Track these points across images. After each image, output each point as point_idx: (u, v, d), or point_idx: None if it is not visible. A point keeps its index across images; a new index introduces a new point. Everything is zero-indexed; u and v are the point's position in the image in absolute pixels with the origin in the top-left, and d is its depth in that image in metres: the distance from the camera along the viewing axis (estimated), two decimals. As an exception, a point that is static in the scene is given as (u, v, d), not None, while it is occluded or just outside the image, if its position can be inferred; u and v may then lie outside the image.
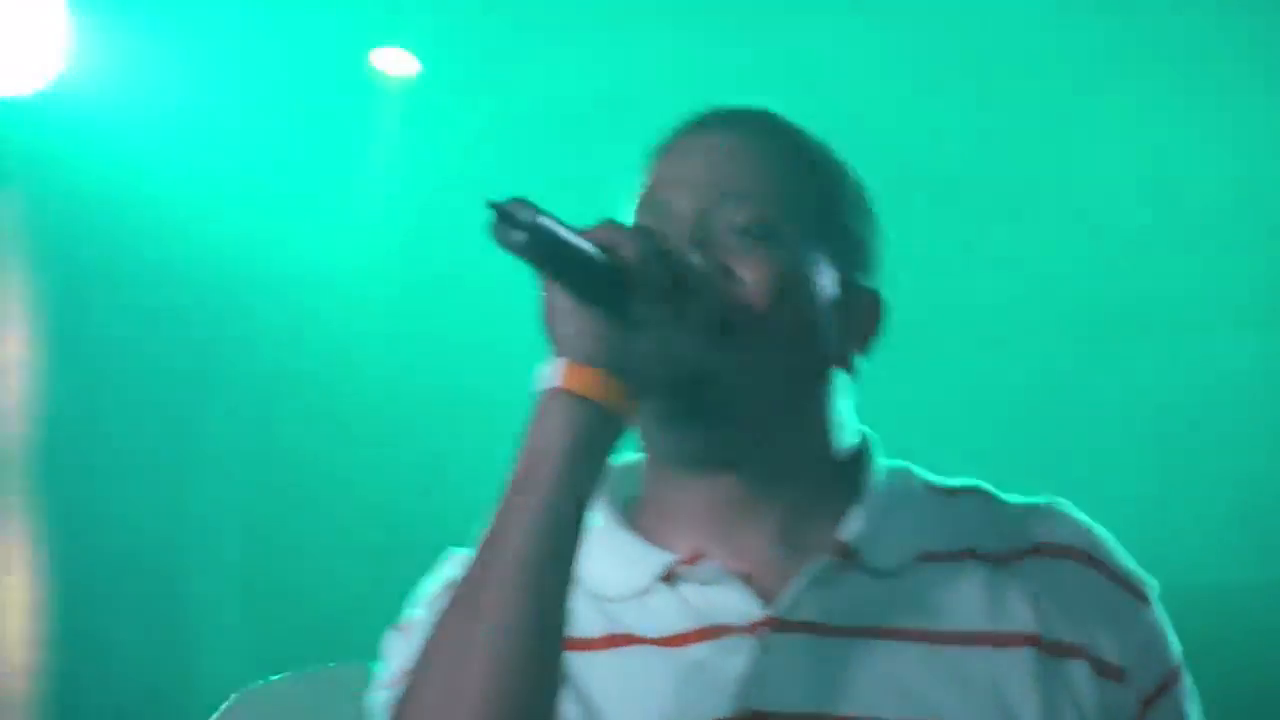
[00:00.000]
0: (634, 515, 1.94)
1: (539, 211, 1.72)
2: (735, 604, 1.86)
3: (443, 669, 1.75)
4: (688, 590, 1.88)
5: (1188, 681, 1.93)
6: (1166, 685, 1.90)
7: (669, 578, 1.88)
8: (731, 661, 1.84)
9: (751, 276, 1.86)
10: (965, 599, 1.86)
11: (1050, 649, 1.84)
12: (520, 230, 1.71)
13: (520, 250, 1.73)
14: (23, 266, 5.90)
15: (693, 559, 1.87)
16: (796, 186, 1.95)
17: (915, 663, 1.84)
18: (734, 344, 1.85)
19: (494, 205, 1.73)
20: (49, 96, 5.79)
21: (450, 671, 1.74)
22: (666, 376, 1.82)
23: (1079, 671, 1.84)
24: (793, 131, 1.99)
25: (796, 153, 1.97)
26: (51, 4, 5.61)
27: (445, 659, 1.75)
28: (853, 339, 1.95)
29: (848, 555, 1.85)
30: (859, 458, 1.93)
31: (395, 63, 5.79)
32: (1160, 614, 1.93)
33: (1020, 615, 1.85)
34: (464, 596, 1.76)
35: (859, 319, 1.95)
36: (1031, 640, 1.83)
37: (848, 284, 1.93)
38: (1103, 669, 1.84)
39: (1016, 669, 1.83)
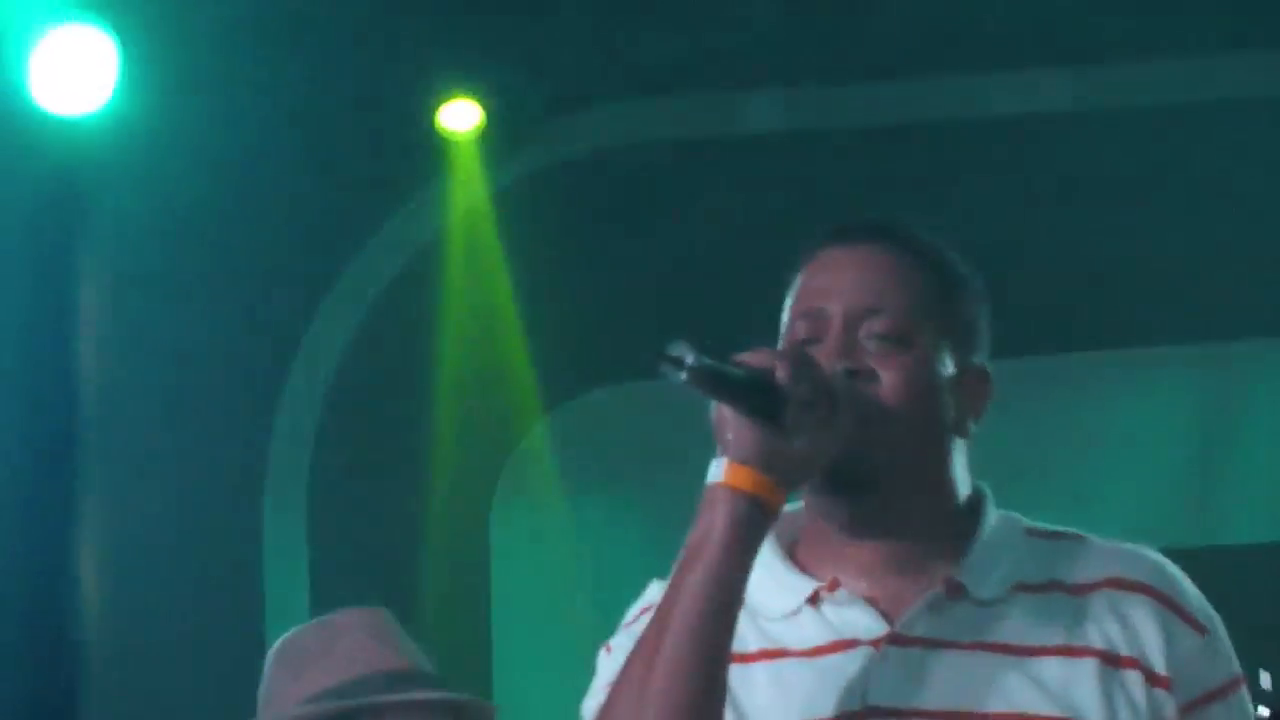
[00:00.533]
0: (794, 550, 2.47)
1: (697, 353, 2.24)
2: (864, 622, 2.38)
3: (625, 707, 2.33)
4: (828, 611, 2.41)
5: (1239, 698, 2.44)
6: (1210, 697, 2.39)
7: (814, 600, 2.42)
8: (857, 667, 2.38)
9: (888, 379, 2.37)
10: (1047, 620, 2.38)
11: (1111, 661, 2.34)
12: (682, 370, 2.24)
13: (686, 384, 2.27)
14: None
15: (832, 586, 2.39)
16: (926, 293, 2.46)
17: (1000, 669, 2.37)
18: (874, 434, 2.36)
19: (659, 355, 2.27)
20: (96, 119, 6.42)
21: (632, 707, 2.33)
22: (817, 467, 2.36)
23: (1133, 679, 2.34)
24: (922, 243, 2.51)
25: (926, 263, 2.47)
26: (100, 39, 6.33)
27: (627, 695, 2.34)
28: (968, 410, 2.46)
29: (956, 588, 2.36)
30: (974, 507, 2.45)
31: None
32: (1216, 642, 2.43)
33: (1090, 634, 2.36)
34: (643, 649, 2.32)
35: (973, 392, 2.46)
36: (1097, 654, 2.35)
37: (964, 365, 2.44)
38: (1153, 679, 2.33)
39: (1084, 675, 2.35)
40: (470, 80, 6.44)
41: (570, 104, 6.66)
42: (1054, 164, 6.62)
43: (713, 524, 2.34)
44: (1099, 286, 6.89)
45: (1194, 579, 2.65)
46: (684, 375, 2.26)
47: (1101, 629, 2.40)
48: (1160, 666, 2.36)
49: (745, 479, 2.37)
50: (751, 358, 2.33)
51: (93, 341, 6.70)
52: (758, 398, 2.34)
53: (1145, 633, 2.42)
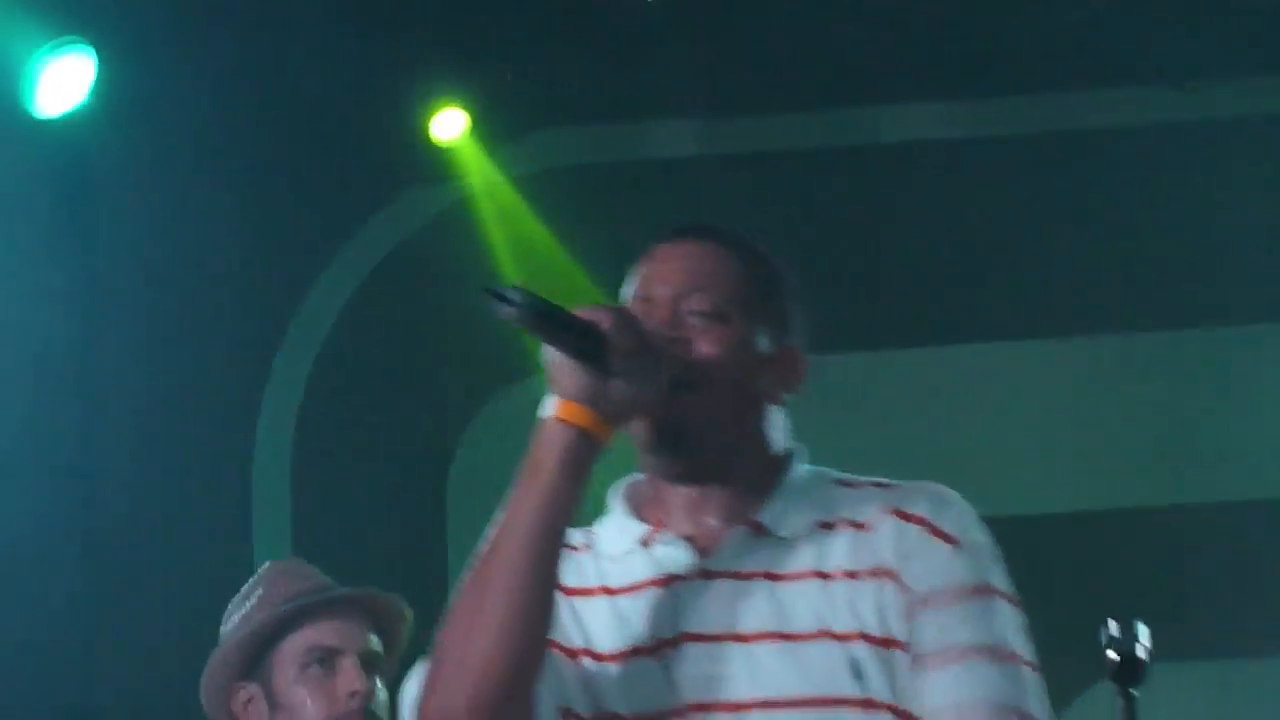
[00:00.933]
0: (641, 507, 2.82)
1: (529, 294, 2.58)
2: (682, 559, 2.76)
3: (459, 625, 2.64)
4: (656, 550, 2.77)
5: (986, 605, 2.77)
6: (949, 596, 2.73)
7: (645, 542, 2.78)
8: (674, 598, 2.76)
9: (705, 347, 2.75)
10: (837, 550, 2.75)
11: (885, 574, 2.69)
12: (510, 306, 2.55)
13: (513, 320, 2.58)
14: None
15: (658, 527, 2.77)
16: (742, 282, 2.84)
17: (799, 593, 2.74)
18: (694, 395, 2.73)
19: (489, 290, 2.59)
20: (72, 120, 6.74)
21: (465, 623, 2.64)
22: (642, 413, 2.69)
23: (893, 589, 2.69)
24: (739, 241, 2.90)
25: (744, 257, 2.87)
26: (79, 50, 6.62)
27: (461, 615, 2.64)
28: (780, 383, 2.86)
29: (759, 527, 2.75)
30: (785, 462, 2.83)
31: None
32: (965, 552, 2.78)
33: (870, 558, 2.72)
34: (479, 567, 2.65)
35: (785, 368, 2.85)
36: (875, 573, 2.70)
37: (777, 345, 2.83)
38: (904, 588, 2.69)
39: (867, 592, 2.71)
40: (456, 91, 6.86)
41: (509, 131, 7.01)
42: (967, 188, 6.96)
43: (543, 452, 2.69)
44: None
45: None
46: (513, 312, 2.61)
47: (879, 553, 2.75)
48: (911, 576, 2.73)
49: (572, 413, 2.72)
50: (582, 311, 2.69)
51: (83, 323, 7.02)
52: (584, 343, 2.67)
53: (909, 550, 2.76)
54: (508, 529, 2.74)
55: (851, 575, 2.82)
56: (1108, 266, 6.98)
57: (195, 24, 6.78)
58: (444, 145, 6.89)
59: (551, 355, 2.73)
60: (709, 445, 2.86)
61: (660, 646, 2.89)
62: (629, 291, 2.93)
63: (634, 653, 2.89)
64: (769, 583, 2.85)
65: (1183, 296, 6.89)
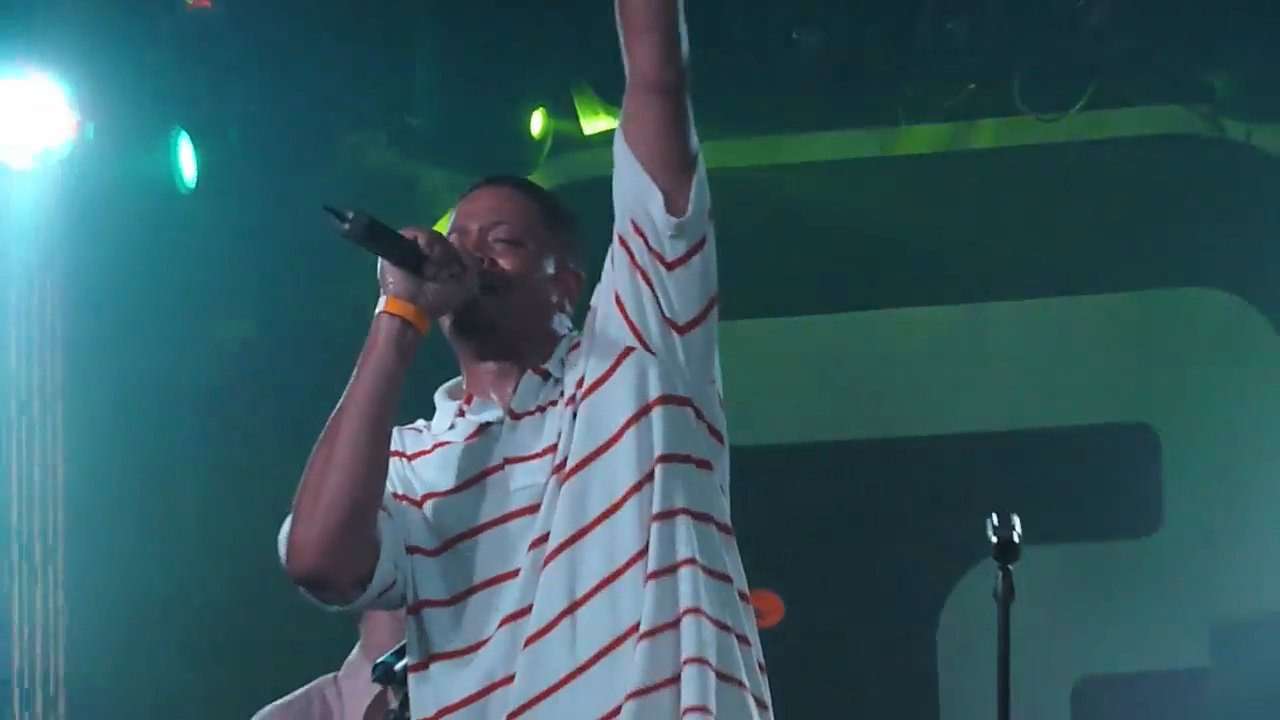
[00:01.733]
0: (455, 394, 3.45)
1: (361, 214, 3.14)
2: (492, 412, 3.39)
3: (314, 471, 3.21)
4: (470, 415, 3.41)
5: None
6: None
7: (461, 413, 3.42)
8: (492, 439, 3.38)
9: (505, 263, 3.39)
10: (589, 344, 3.34)
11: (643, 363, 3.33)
12: (345, 224, 3.11)
13: (348, 236, 3.14)
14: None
15: (469, 399, 3.42)
16: (535, 217, 3.45)
17: (586, 408, 3.33)
18: (494, 299, 3.33)
19: (328, 208, 3.16)
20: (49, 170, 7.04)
21: (319, 469, 3.21)
22: (450, 309, 3.27)
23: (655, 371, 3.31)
24: (533, 187, 3.62)
25: (537, 199, 3.52)
26: (53, 94, 6.88)
27: (313, 467, 3.22)
28: (564, 293, 3.45)
29: (545, 373, 3.36)
30: (561, 341, 3.43)
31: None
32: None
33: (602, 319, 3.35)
34: (330, 424, 3.25)
35: (567, 284, 3.46)
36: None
37: (561, 266, 3.45)
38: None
39: (622, 381, 3.30)
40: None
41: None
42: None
43: (376, 338, 3.30)
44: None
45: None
46: (346, 227, 3.18)
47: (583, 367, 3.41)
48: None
49: (397, 308, 3.31)
50: (405, 230, 3.31)
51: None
52: (406, 254, 3.26)
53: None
54: (352, 395, 3.36)
55: (606, 380, 3.47)
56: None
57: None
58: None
59: (382, 264, 3.36)
60: (504, 331, 3.48)
61: (488, 473, 3.54)
62: (449, 225, 3.61)
63: (466, 483, 3.54)
64: (564, 407, 3.53)
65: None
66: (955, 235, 7.63)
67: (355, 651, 5.46)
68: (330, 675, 5.43)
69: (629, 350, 3.48)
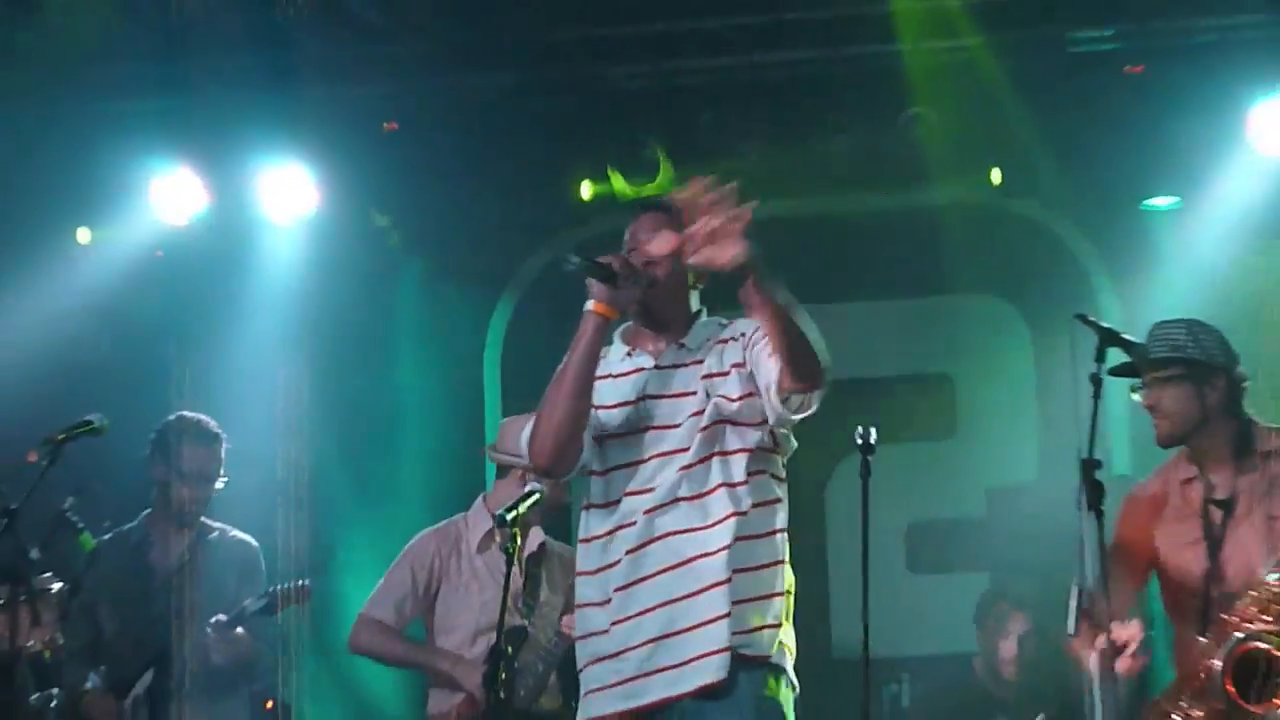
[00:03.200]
0: (627, 337, 4.71)
1: (581, 256, 4.55)
2: (647, 361, 4.64)
3: (548, 404, 4.61)
4: (636, 357, 4.66)
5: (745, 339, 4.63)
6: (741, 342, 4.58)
7: (630, 354, 4.68)
8: (644, 379, 4.66)
9: (658, 270, 4.65)
10: (721, 353, 4.60)
11: (738, 367, 4.62)
12: (571, 264, 4.54)
13: (573, 269, 4.54)
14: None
15: (635, 349, 4.65)
16: (670, 227, 4.62)
17: (692, 377, 4.68)
18: (654, 290, 4.63)
19: (563, 258, 4.59)
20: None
21: (549, 403, 4.59)
22: (631, 305, 4.58)
23: (739, 372, 4.58)
24: (666, 204, 4.68)
25: (668, 212, 4.65)
26: (303, 176, 8.38)
27: (548, 400, 4.60)
28: (698, 277, 4.65)
29: (681, 345, 4.63)
30: (698, 315, 4.70)
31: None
32: (742, 334, 4.68)
33: (731, 358, 4.59)
34: (557, 376, 4.57)
35: (699, 277, 4.67)
36: (734, 367, 4.61)
37: (688, 267, 4.54)
38: (739, 365, 4.60)
39: (730, 379, 4.60)
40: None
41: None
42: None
43: (586, 326, 4.46)
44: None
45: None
46: (571, 266, 4.46)
47: (731, 354, 4.56)
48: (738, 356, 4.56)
49: (599, 308, 4.45)
50: (603, 258, 4.42)
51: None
52: (605, 273, 4.39)
53: (738, 349, 4.58)
54: (571, 358, 4.53)
55: (730, 368, 4.66)
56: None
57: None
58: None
59: (590, 281, 4.49)
60: (655, 312, 4.63)
61: (634, 401, 4.68)
62: (626, 238, 4.73)
63: (621, 404, 4.70)
64: (683, 368, 4.63)
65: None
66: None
67: (478, 501, 6.84)
68: (462, 514, 6.86)
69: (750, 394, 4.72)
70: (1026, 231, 8.79)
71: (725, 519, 4.55)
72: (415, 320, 8.91)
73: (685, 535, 4.55)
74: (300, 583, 6.89)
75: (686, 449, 4.61)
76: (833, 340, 7.20)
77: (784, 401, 4.54)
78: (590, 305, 4.55)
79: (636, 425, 4.66)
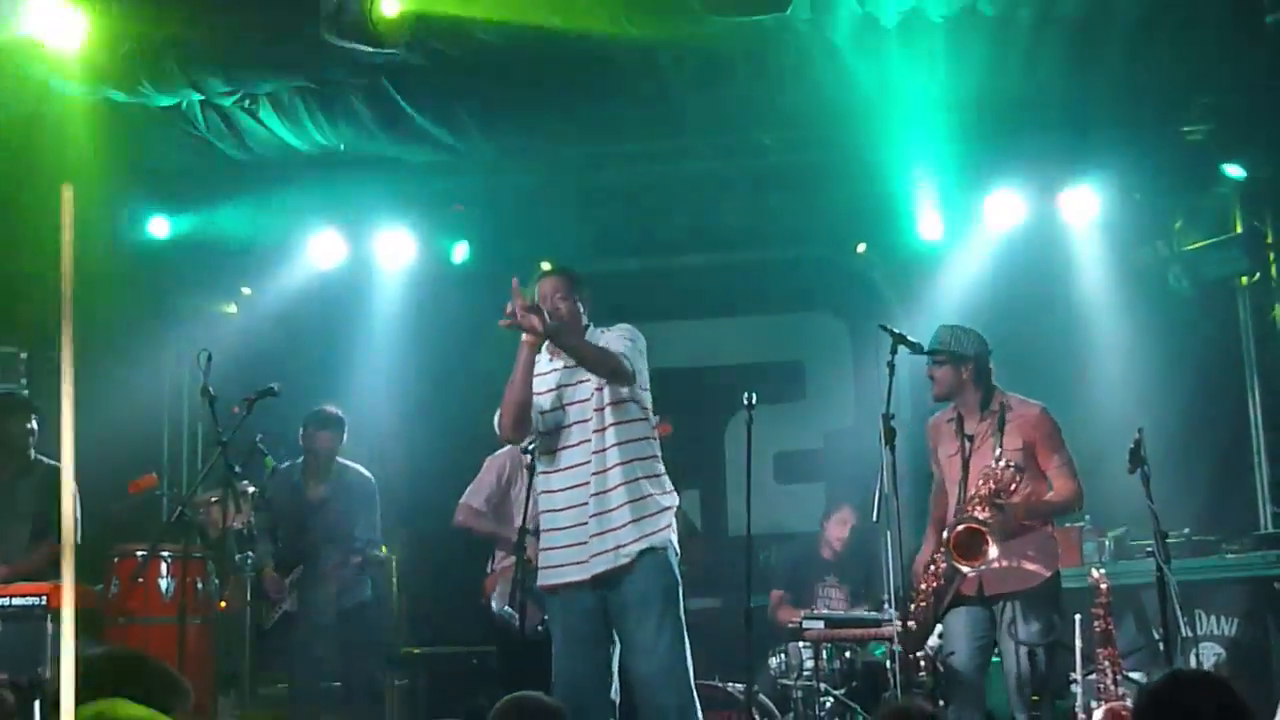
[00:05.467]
0: (551, 349, 4.55)
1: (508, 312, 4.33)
2: (558, 363, 4.53)
3: (506, 399, 4.53)
4: (554, 361, 4.53)
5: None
6: None
7: (551, 359, 4.54)
8: (555, 373, 4.55)
9: (562, 310, 4.64)
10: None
11: None
12: (507, 318, 4.32)
13: (509, 323, 4.35)
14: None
15: (552, 355, 4.51)
16: (564, 283, 4.69)
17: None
18: (560, 328, 4.48)
19: (509, 307, 4.31)
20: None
21: (506, 399, 4.50)
22: (546, 338, 4.43)
23: None
24: (560, 271, 4.76)
25: (562, 275, 4.73)
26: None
27: (506, 397, 4.51)
28: (586, 309, 4.62)
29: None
30: (589, 329, 4.55)
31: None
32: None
33: None
34: (510, 381, 4.46)
35: (585, 305, 4.64)
36: None
37: (586, 307, 4.66)
38: None
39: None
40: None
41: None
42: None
43: (523, 350, 4.44)
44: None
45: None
46: (507, 325, 4.33)
47: None
48: None
49: (529, 340, 4.43)
50: (533, 310, 4.35)
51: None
52: (534, 320, 4.31)
53: None
54: (516, 370, 4.50)
55: None
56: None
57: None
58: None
59: (524, 326, 4.43)
60: (566, 343, 4.53)
61: (555, 389, 4.53)
62: (536, 296, 4.55)
63: (547, 390, 4.56)
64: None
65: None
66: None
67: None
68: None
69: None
70: (849, 273, 8.71)
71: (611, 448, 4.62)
72: (477, 321, 7.95)
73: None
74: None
75: (591, 416, 4.66)
76: (730, 340, 8.24)
77: (613, 387, 4.60)
78: (524, 338, 4.55)
79: (559, 404, 4.70)
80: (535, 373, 4.67)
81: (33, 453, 6.15)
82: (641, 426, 4.69)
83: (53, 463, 6.07)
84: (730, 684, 6.21)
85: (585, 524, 4.50)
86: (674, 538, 4.67)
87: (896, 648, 5.05)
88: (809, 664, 6.21)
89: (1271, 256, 7.41)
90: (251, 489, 6.35)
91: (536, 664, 4.74)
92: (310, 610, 6.92)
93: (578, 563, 4.52)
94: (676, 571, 4.66)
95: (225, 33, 5.59)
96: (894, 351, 5.29)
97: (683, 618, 4.59)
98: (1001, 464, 5.33)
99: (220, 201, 7.63)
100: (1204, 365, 7.51)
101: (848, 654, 6.29)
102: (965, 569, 5.27)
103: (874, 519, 5.16)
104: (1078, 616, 5.28)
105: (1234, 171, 7.16)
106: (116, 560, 6.13)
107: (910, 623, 5.13)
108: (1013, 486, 5.32)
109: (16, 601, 5.74)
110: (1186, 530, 6.79)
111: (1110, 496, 6.19)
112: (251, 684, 6.31)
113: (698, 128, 6.95)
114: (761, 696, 6.23)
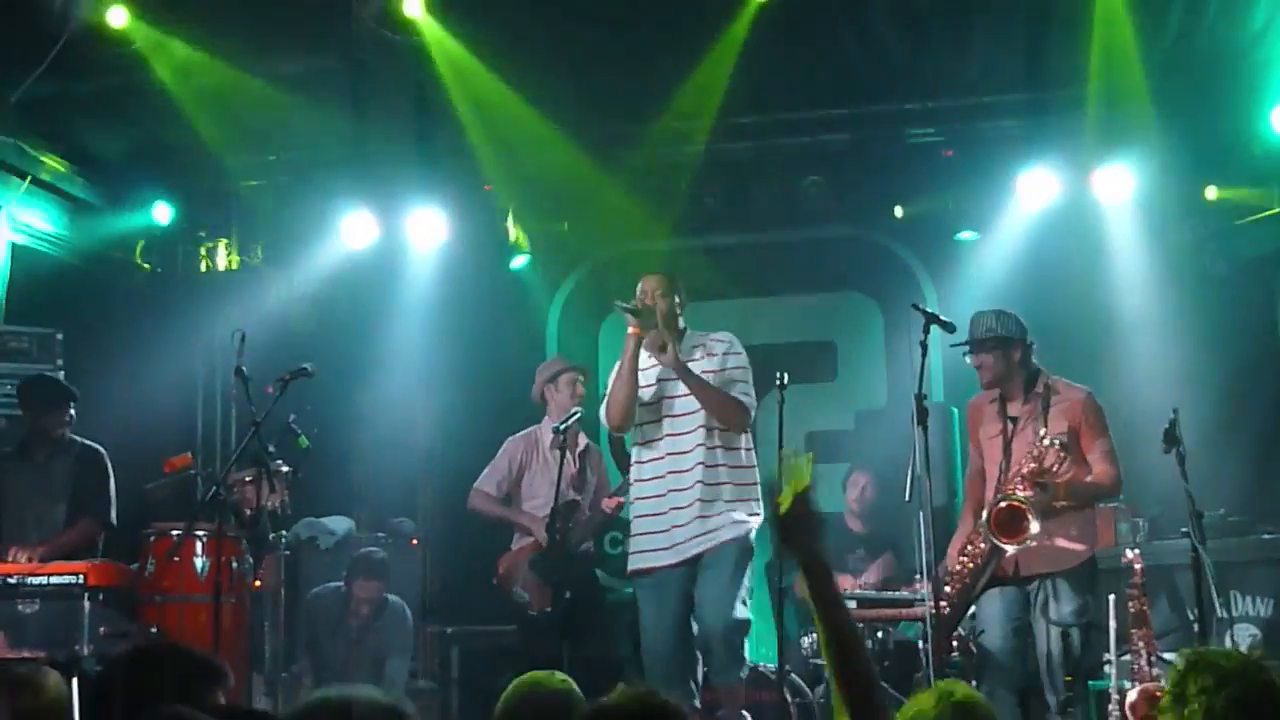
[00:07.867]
0: (650, 345, 5.03)
1: (627, 304, 4.99)
2: (658, 359, 5.03)
3: (612, 393, 5.04)
4: (649, 360, 5.02)
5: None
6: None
7: (650, 358, 5.08)
8: (655, 373, 5.11)
9: (661, 307, 5.19)
10: (700, 358, 5.09)
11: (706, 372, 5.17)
12: (617, 307, 5.03)
13: (620, 309, 5.02)
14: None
15: (651, 354, 5.03)
16: (666, 283, 5.19)
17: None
18: (663, 319, 5.06)
19: (616, 303, 5.01)
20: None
21: (613, 391, 5.00)
22: (651, 327, 5.03)
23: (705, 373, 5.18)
24: (665, 275, 5.20)
25: (664, 277, 5.23)
26: (439, 217, 7.88)
27: (612, 390, 5.02)
28: (681, 307, 5.10)
29: (664, 347, 5.00)
30: (685, 332, 5.11)
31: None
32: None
33: (701, 366, 5.16)
34: (616, 374, 5.01)
35: (683, 307, 5.12)
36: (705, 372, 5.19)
37: (682, 302, 5.19)
38: None
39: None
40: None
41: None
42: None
43: (629, 344, 4.98)
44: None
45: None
46: (619, 307, 5.00)
47: (702, 364, 4.90)
48: None
49: (634, 330, 4.97)
50: (636, 302, 4.96)
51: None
52: (633, 310, 4.96)
53: (709, 361, 4.93)
54: (621, 364, 4.98)
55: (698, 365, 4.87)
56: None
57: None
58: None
59: (628, 316, 4.98)
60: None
61: (652, 384, 4.86)
62: (638, 291, 5.06)
63: (646, 385, 4.85)
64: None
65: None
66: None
67: (545, 419, 6.63)
68: (537, 425, 6.66)
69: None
70: (881, 254, 8.67)
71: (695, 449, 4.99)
72: (508, 302, 8.65)
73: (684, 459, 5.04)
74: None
75: (697, 408, 5.00)
76: (762, 320, 8.07)
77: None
78: (630, 329, 4.92)
79: (659, 396, 5.02)
80: (640, 367, 5.04)
81: (67, 432, 6.17)
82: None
83: (88, 443, 6.11)
84: (762, 663, 6.19)
85: (682, 509, 4.83)
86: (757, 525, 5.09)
87: (929, 628, 5.03)
88: (841, 643, 6.23)
89: (1310, 233, 7.65)
90: (285, 468, 6.30)
91: (547, 643, 5.00)
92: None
93: (671, 546, 4.87)
94: (754, 549, 5.08)
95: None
96: (926, 331, 5.25)
97: (748, 581, 4.97)
98: (1046, 441, 5.30)
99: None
100: (1240, 344, 7.47)
101: (880, 634, 6.24)
102: (1008, 547, 5.26)
103: (906, 499, 5.09)
104: (1112, 597, 5.24)
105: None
106: (152, 539, 6.10)
107: (944, 605, 5.11)
108: (1057, 466, 5.29)
109: (54, 580, 5.74)
110: (1222, 510, 6.73)
111: (1145, 477, 6.14)
112: (285, 661, 6.34)
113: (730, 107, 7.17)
114: (793, 675, 6.21)
